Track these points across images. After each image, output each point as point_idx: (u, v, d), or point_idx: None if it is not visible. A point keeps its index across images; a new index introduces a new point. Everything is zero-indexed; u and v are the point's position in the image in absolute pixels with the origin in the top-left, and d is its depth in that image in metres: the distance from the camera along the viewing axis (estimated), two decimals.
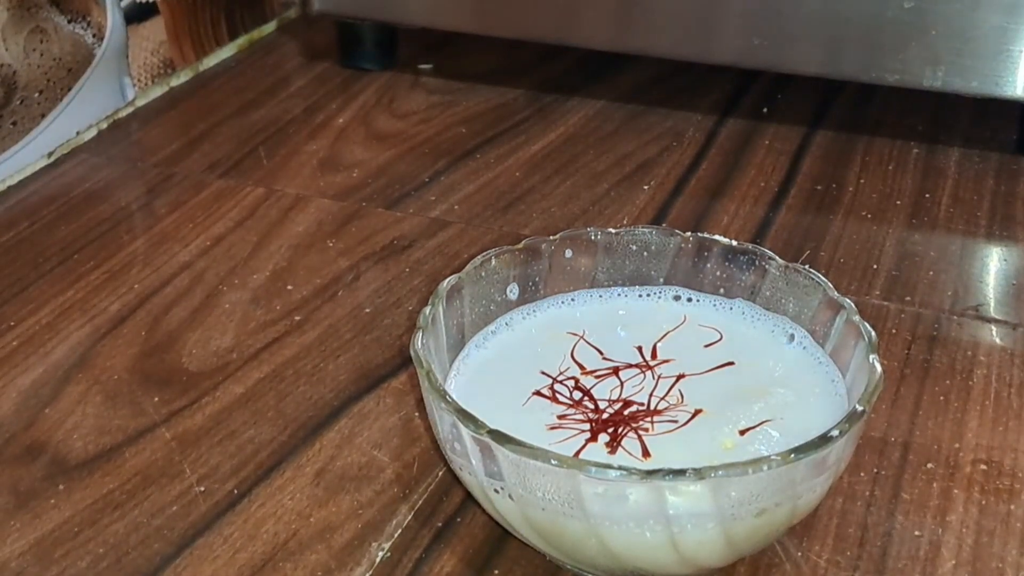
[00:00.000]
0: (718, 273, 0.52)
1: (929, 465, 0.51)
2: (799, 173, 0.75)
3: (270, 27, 0.96)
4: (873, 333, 0.46)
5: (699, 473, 0.39)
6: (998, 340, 0.59)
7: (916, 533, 0.48)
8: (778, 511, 0.42)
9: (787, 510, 0.42)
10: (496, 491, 0.43)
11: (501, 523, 0.45)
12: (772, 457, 0.40)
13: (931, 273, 0.64)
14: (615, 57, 0.83)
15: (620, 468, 0.39)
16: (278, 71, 0.90)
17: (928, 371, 0.57)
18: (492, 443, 0.41)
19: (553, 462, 0.40)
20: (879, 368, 0.44)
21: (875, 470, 0.51)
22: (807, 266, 0.50)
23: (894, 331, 0.60)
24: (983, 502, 0.49)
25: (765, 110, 0.82)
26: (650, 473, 0.39)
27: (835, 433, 0.41)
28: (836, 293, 0.48)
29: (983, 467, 0.51)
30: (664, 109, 0.82)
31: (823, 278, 0.49)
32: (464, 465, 0.44)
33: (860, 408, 0.42)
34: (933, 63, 0.70)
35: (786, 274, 0.50)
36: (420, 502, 0.49)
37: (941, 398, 0.55)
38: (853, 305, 0.48)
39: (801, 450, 0.40)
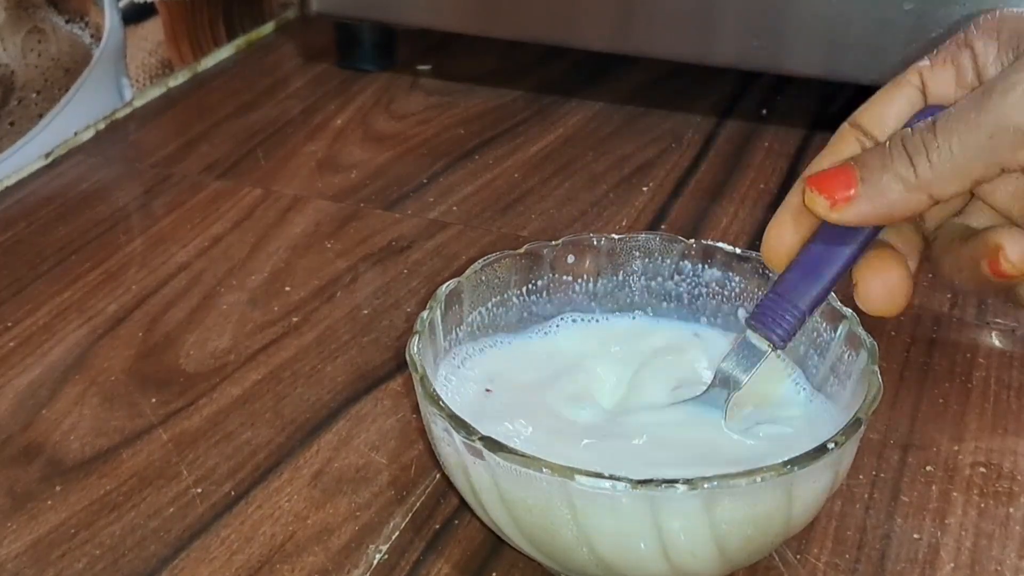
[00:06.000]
0: (720, 280, 0.52)
1: (928, 468, 0.51)
2: (798, 175, 0.74)
3: (268, 28, 0.96)
4: (875, 344, 0.46)
5: (691, 484, 0.39)
6: (997, 343, 0.59)
7: (915, 536, 0.48)
8: (772, 523, 0.41)
9: (781, 522, 0.42)
10: (487, 497, 0.42)
11: (494, 530, 0.45)
12: (766, 468, 0.39)
13: (930, 275, 0.64)
14: (614, 59, 0.83)
15: (611, 477, 0.39)
16: (276, 72, 0.89)
17: (927, 374, 0.57)
18: (484, 450, 0.41)
19: (544, 470, 0.40)
20: (879, 380, 0.44)
21: (874, 472, 0.51)
22: None
23: (893, 333, 0.59)
24: (982, 505, 0.49)
25: (764, 112, 0.82)
26: (642, 483, 0.39)
27: (831, 445, 0.41)
28: (839, 303, 0.48)
29: (982, 470, 0.51)
30: (663, 111, 0.82)
31: None
32: (457, 471, 0.43)
33: (858, 419, 0.42)
34: None
35: None
36: (417, 504, 0.49)
37: (940, 401, 0.55)
38: (855, 315, 0.47)
39: (796, 461, 0.40)
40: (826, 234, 0.45)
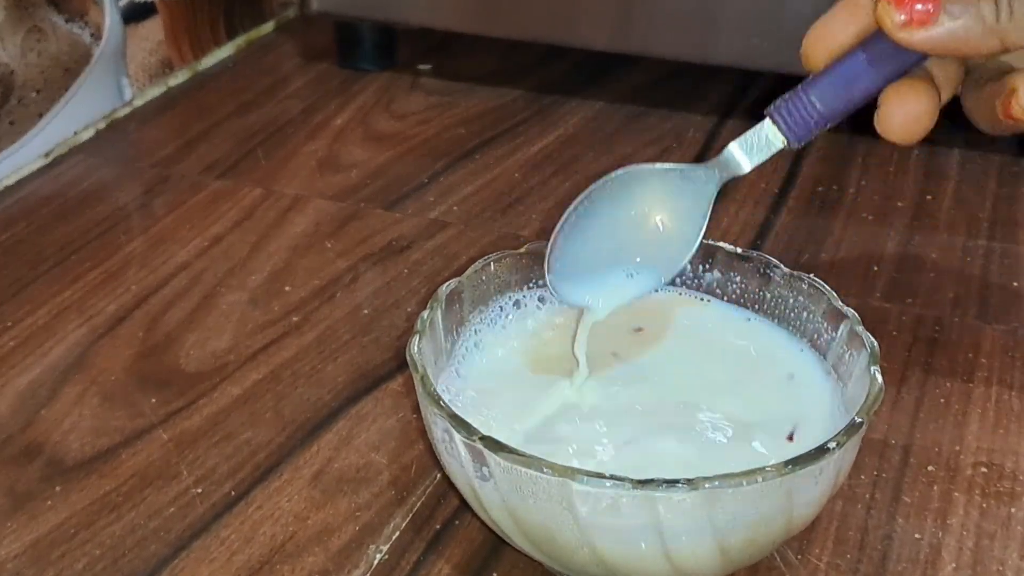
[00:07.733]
0: (721, 280, 0.52)
1: (930, 468, 0.51)
2: (800, 175, 0.74)
3: (268, 27, 0.96)
4: (876, 344, 0.46)
5: (692, 484, 0.39)
6: (999, 342, 0.59)
7: (916, 536, 0.48)
8: (773, 523, 0.41)
9: (783, 522, 0.42)
10: (488, 497, 0.42)
11: (495, 530, 0.45)
12: (767, 468, 0.39)
13: (932, 275, 0.64)
14: (615, 58, 0.83)
15: (612, 477, 0.39)
16: (276, 71, 0.89)
17: (929, 373, 0.57)
18: (484, 450, 0.41)
19: (545, 470, 0.40)
20: (880, 380, 0.44)
21: (875, 473, 0.51)
22: (811, 275, 0.50)
23: (895, 333, 0.59)
24: (984, 505, 0.49)
25: (765, 112, 0.82)
26: (643, 483, 0.39)
27: (832, 445, 0.41)
28: (840, 303, 0.48)
29: (984, 470, 0.51)
30: (664, 110, 0.82)
31: (827, 286, 0.49)
32: (457, 471, 0.43)
33: (859, 420, 0.42)
34: None
35: (790, 282, 0.50)
36: (418, 505, 0.49)
37: (942, 400, 0.55)
38: (856, 315, 0.47)
39: (797, 461, 0.40)
40: (872, 48, 0.43)
